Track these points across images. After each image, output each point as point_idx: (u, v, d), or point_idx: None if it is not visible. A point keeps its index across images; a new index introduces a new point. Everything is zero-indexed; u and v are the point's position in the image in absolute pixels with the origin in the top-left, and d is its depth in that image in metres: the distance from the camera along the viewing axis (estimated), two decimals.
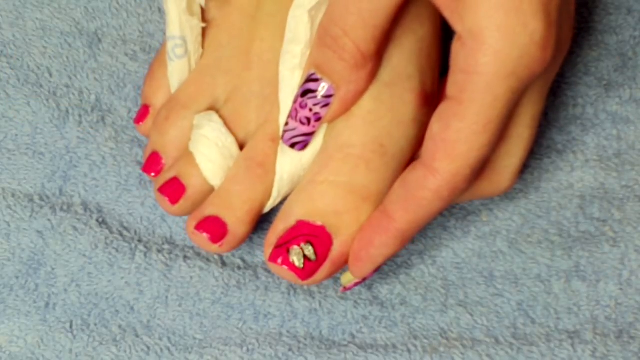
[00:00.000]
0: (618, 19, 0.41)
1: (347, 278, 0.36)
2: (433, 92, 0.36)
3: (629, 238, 0.40)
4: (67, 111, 0.42)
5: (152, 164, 0.38)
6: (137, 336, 0.39)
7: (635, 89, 0.41)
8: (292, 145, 0.35)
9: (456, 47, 0.30)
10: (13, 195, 0.40)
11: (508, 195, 0.41)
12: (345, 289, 0.37)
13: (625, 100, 0.41)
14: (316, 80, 0.34)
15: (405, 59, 0.35)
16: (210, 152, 0.36)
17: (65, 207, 0.40)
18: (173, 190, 0.37)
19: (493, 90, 0.30)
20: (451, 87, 0.31)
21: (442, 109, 0.31)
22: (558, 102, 0.41)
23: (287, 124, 0.35)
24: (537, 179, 0.41)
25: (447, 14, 0.30)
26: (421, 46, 0.35)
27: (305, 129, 0.35)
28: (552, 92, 0.41)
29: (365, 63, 0.33)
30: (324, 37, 0.33)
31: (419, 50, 0.35)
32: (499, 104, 0.30)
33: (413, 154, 0.36)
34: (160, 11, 0.43)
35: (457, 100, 0.30)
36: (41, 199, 0.40)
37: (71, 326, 0.39)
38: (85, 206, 0.40)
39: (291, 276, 0.35)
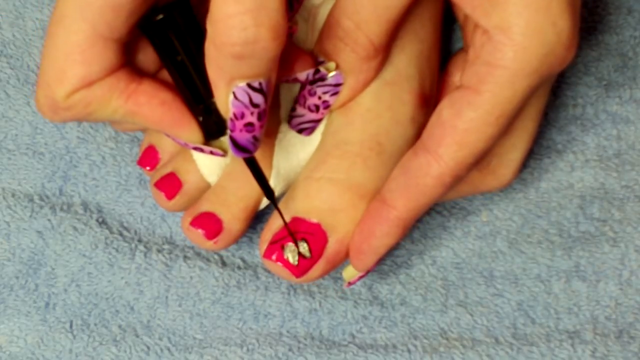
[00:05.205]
0: (618, 19, 0.41)
1: (350, 273, 0.36)
2: (431, 94, 0.36)
3: (629, 238, 0.40)
4: None
5: (148, 157, 0.38)
6: (137, 336, 0.39)
7: (635, 89, 0.41)
8: (300, 131, 0.35)
9: (481, 40, 0.30)
10: (13, 195, 0.40)
11: (508, 195, 0.41)
12: (350, 283, 0.36)
13: (625, 100, 0.41)
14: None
15: (406, 60, 0.35)
16: None
17: (65, 207, 0.40)
18: (169, 185, 0.37)
19: (514, 85, 0.30)
20: (470, 77, 0.31)
21: (456, 97, 0.31)
22: (558, 102, 0.41)
23: (294, 109, 0.35)
24: (537, 179, 0.41)
25: (469, 9, 0.30)
26: (422, 48, 0.35)
27: (314, 116, 0.35)
28: (552, 92, 0.41)
29: (376, 55, 0.34)
30: (335, 29, 0.33)
31: (419, 52, 0.35)
32: (516, 99, 0.30)
33: None
34: None
35: (474, 90, 0.31)
36: (41, 199, 0.40)
37: (71, 326, 0.39)
38: (85, 206, 0.40)
39: (285, 273, 0.35)
